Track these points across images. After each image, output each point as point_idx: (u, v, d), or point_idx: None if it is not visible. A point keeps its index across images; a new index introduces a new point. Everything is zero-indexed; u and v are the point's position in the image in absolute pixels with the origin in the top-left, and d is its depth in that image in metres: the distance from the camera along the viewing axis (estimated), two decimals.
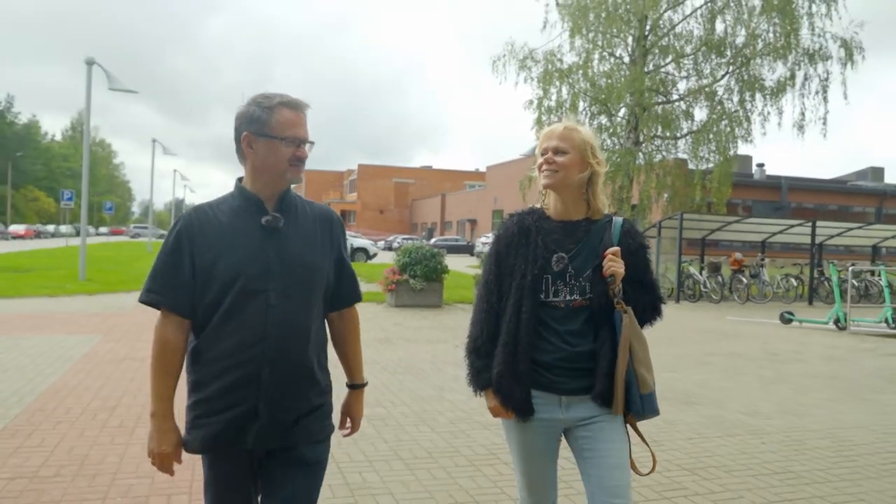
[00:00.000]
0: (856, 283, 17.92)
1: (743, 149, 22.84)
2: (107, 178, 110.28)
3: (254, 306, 1.88)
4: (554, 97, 21.85)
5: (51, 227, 69.15)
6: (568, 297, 2.16)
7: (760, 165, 38.42)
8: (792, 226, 19.13)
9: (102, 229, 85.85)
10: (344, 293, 2.14)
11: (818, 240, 20.07)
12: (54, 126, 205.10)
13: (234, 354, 1.89)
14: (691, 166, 21.81)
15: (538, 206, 2.31)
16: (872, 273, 17.64)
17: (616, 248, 2.15)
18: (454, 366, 7.30)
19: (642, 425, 2.27)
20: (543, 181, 2.20)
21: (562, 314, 2.16)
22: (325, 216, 2.10)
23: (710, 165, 20.82)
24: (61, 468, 3.99)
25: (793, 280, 18.37)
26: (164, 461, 1.94)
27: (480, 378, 2.23)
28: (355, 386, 2.22)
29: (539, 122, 22.20)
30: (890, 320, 12.69)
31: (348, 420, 2.22)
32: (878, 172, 49.37)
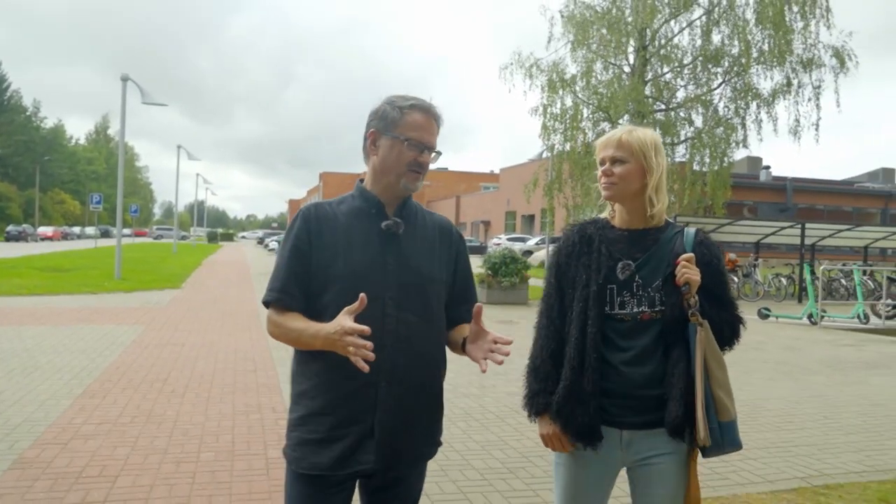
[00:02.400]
0: (844, 280, 18.88)
1: (743, 153, 23.84)
2: (130, 181, 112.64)
3: (369, 313, 1.69)
4: (558, 105, 22.94)
5: (76, 229, 71.29)
6: (636, 310, 1.96)
7: (766, 168, 39.19)
8: (783, 227, 20.09)
9: (126, 231, 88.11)
10: (464, 317, 1.97)
11: (812, 240, 21.04)
12: (78, 128, 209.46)
13: (351, 367, 1.65)
14: (696, 167, 22.77)
15: (603, 215, 2.16)
16: (844, 273, 18.50)
17: (690, 255, 1.95)
18: None
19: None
20: (604, 194, 2.07)
21: (628, 328, 1.96)
22: (444, 228, 2.00)
23: (706, 170, 21.78)
24: (134, 418, 5.24)
25: (783, 279, 19.34)
26: (346, 333, 1.63)
27: (536, 402, 2.03)
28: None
29: (545, 129, 23.31)
30: (861, 316, 13.71)
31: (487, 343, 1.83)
32: (889, 173, 49.84)
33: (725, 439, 1.90)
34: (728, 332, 2.00)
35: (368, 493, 1.93)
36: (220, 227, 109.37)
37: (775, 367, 8.39)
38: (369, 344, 1.62)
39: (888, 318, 14.64)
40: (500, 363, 1.76)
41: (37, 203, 76.83)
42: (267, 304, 1.86)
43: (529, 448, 4.68)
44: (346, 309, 1.66)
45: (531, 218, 51.05)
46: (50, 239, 57.89)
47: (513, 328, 11.02)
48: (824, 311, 14.35)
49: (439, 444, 1.99)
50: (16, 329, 9.38)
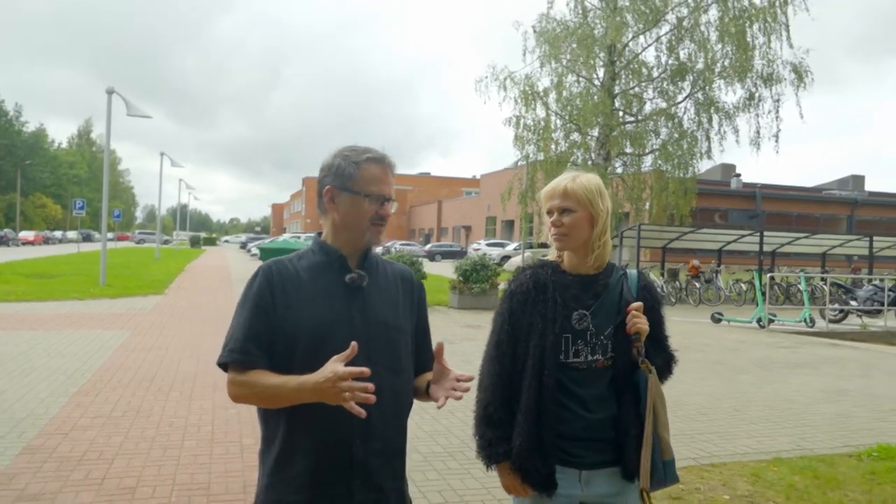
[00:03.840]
0: (803, 286, 19.86)
1: (708, 164, 24.89)
2: (112, 185, 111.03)
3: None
4: (531, 117, 23.84)
5: (58, 234, 71.26)
6: (590, 358, 2.04)
7: (737, 175, 40.35)
8: (743, 235, 21.07)
9: (108, 235, 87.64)
10: (425, 366, 1.98)
11: (772, 247, 22.04)
12: (59, 129, 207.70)
13: (324, 426, 1.71)
14: (663, 177, 23.74)
15: (550, 258, 2.19)
16: (772, 278, 19.45)
17: (639, 304, 2.04)
18: None
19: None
20: (556, 245, 2.11)
21: (582, 377, 2.03)
22: (405, 278, 2.00)
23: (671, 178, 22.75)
24: (125, 412, 5.96)
25: (742, 285, 20.30)
26: (340, 378, 1.60)
27: (493, 451, 2.06)
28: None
29: (518, 139, 24.21)
30: (808, 320, 14.66)
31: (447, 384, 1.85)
32: (858, 180, 51.26)
33: (668, 475, 2.03)
34: (666, 371, 2.17)
35: None
36: (203, 231, 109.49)
37: (710, 367, 9.23)
38: (370, 386, 1.60)
39: (833, 321, 15.62)
40: (460, 398, 1.78)
41: (17, 207, 76.73)
42: (225, 365, 1.78)
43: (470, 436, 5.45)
44: (335, 357, 1.63)
45: (511, 223, 51.91)
46: (31, 243, 57.92)
47: (479, 332, 11.79)
48: (774, 316, 15.29)
49: (403, 487, 1.93)
50: (10, 334, 10.02)
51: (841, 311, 16.17)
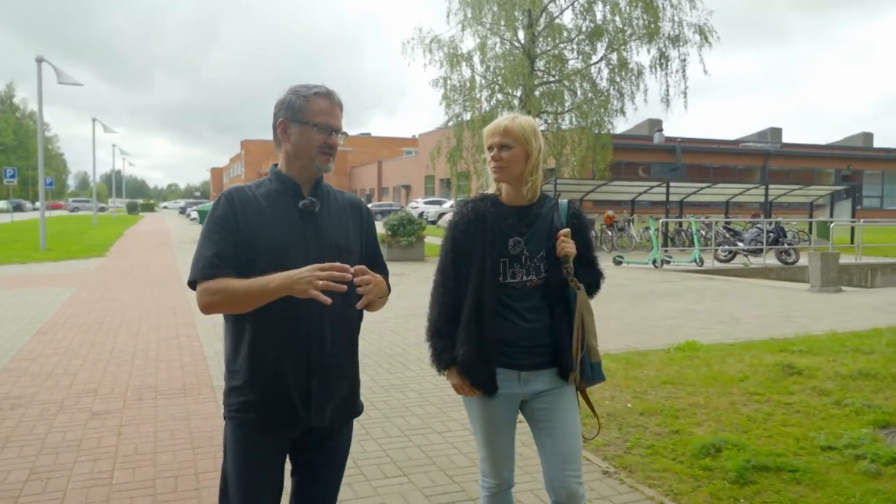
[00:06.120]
0: (704, 231, 21.83)
1: (621, 120, 26.58)
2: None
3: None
4: (456, 79, 24.99)
5: None
6: (525, 278, 2.29)
7: (659, 130, 42.34)
8: (652, 187, 22.85)
9: (39, 204, 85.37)
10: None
11: (679, 197, 23.93)
12: None
13: (284, 334, 1.94)
14: (579, 134, 25.29)
15: (490, 192, 2.41)
16: (680, 224, 21.30)
17: (567, 230, 2.30)
18: None
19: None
20: (494, 177, 2.33)
21: (518, 294, 2.29)
22: (354, 204, 2.17)
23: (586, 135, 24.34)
24: (81, 345, 7.08)
25: (651, 232, 22.13)
26: (320, 270, 1.80)
27: (442, 358, 2.34)
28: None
29: (446, 99, 25.37)
30: (698, 260, 16.49)
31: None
32: (776, 132, 54.15)
33: (595, 375, 2.34)
34: (594, 287, 2.44)
35: (301, 453, 2.11)
36: (140, 198, 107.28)
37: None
38: (347, 275, 1.81)
39: (722, 261, 17.53)
40: (365, 292, 1.91)
41: None
42: (193, 282, 1.94)
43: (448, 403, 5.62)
44: (312, 265, 1.82)
45: (448, 182, 53.18)
46: None
47: (404, 279, 13.11)
48: (669, 258, 17.09)
49: (356, 389, 2.15)
50: None
51: (730, 251, 18.09)
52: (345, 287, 1.82)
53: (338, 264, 1.82)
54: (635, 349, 6.94)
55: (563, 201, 2.43)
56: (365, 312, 2.12)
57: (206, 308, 1.94)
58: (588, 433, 2.63)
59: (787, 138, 52.31)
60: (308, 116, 1.99)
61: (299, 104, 1.99)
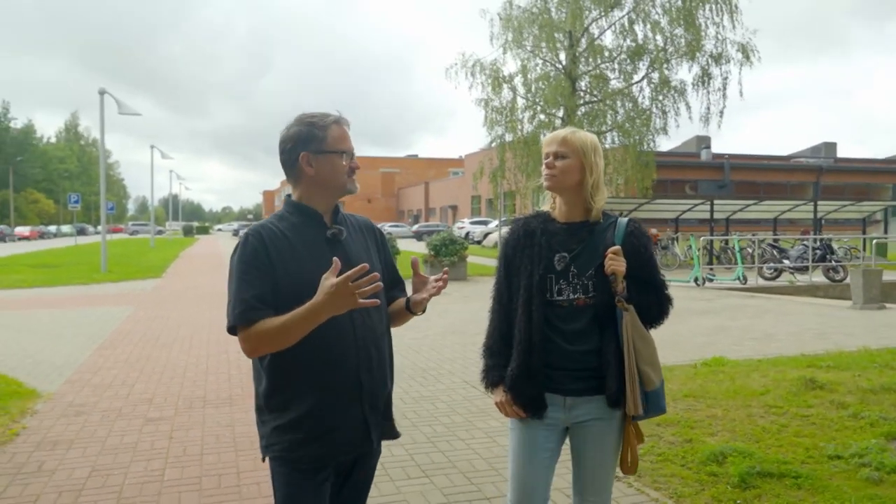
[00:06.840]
0: (750, 249, 21.59)
1: (663, 139, 26.54)
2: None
3: (339, 317, 1.87)
4: (498, 101, 25.40)
5: (52, 228, 72.55)
6: (571, 296, 2.23)
7: (706, 147, 41.89)
8: (696, 204, 22.73)
9: (101, 228, 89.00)
10: (396, 296, 2.27)
11: (725, 215, 23.73)
12: (46, 123, 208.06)
13: (333, 365, 1.95)
14: (623, 153, 25.34)
15: (546, 209, 2.40)
16: (726, 242, 21.03)
17: (617, 247, 2.21)
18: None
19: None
20: (545, 185, 2.31)
21: (566, 313, 2.23)
22: (368, 226, 2.24)
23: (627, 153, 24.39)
24: (138, 359, 7.61)
25: (692, 250, 21.99)
26: (347, 280, 1.78)
27: (490, 376, 2.34)
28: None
29: (488, 120, 25.79)
30: (741, 278, 16.38)
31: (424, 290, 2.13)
32: (830, 147, 52.95)
33: (650, 405, 2.23)
34: (656, 312, 2.31)
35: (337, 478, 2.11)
36: (195, 221, 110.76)
37: None
38: (375, 275, 1.83)
39: (767, 279, 17.35)
40: (442, 286, 2.08)
41: (11, 204, 77.79)
42: (233, 329, 1.91)
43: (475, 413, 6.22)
44: (325, 275, 1.81)
45: (492, 202, 53.51)
46: (27, 238, 59.31)
47: (445, 297, 13.38)
48: (712, 275, 17.02)
49: (391, 408, 2.20)
50: (30, 312, 11.65)
51: (775, 269, 17.89)
52: (380, 285, 1.86)
53: (356, 268, 1.79)
54: (663, 364, 7.04)
55: (623, 220, 2.35)
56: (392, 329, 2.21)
57: (252, 353, 1.94)
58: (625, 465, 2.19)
59: (842, 152, 51.30)
60: (332, 145, 2.04)
61: (320, 135, 2.03)
